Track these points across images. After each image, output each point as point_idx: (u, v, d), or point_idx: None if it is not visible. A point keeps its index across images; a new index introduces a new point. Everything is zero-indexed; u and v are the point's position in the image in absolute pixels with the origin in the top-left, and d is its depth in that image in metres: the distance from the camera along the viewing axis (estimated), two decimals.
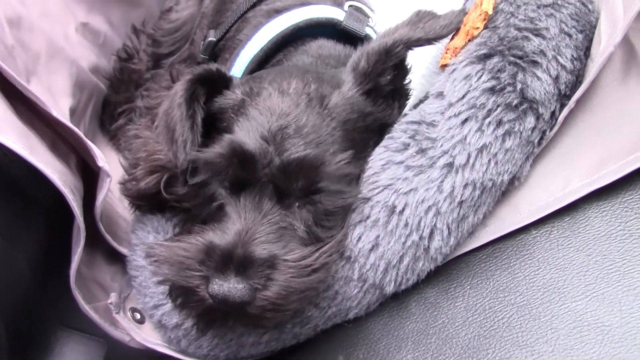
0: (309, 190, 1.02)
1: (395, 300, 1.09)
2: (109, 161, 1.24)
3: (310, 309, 1.07)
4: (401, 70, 1.19)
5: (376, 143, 1.11)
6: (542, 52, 1.04)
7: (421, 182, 1.03)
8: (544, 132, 1.05)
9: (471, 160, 1.02)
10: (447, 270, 1.07)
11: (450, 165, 1.02)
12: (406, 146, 1.06)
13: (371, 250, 1.03)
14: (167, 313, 1.18)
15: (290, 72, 1.14)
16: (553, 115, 1.05)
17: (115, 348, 1.30)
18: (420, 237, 1.02)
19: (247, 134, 1.02)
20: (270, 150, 1.00)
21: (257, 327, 1.06)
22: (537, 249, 1.00)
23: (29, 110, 1.22)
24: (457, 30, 1.15)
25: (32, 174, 1.09)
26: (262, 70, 1.28)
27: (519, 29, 1.07)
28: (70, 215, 1.13)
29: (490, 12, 1.11)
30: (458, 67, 1.08)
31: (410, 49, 1.12)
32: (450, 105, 1.05)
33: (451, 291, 1.04)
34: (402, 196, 1.03)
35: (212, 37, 1.57)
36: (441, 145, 1.03)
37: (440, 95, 1.08)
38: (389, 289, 1.05)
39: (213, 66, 1.13)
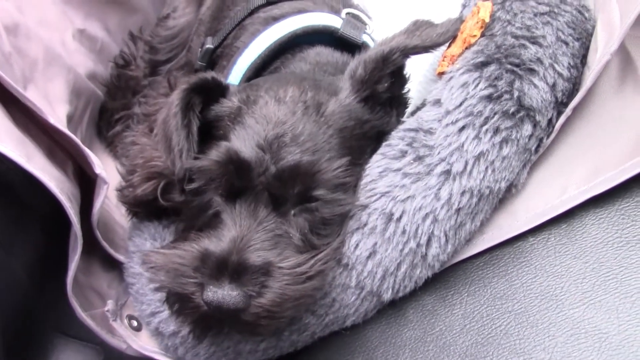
0: (305, 196, 1.02)
1: (393, 308, 1.09)
2: (106, 168, 1.24)
3: (307, 317, 1.07)
4: (399, 78, 1.19)
5: (373, 150, 1.11)
6: (539, 60, 1.05)
7: (419, 190, 1.03)
8: (541, 140, 1.06)
9: (468, 168, 1.02)
10: (444, 278, 1.07)
11: (447, 172, 1.02)
12: (403, 153, 1.06)
13: (369, 257, 1.03)
14: (164, 320, 1.17)
15: (287, 80, 1.14)
16: (550, 123, 1.06)
17: (112, 356, 1.30)
18: (418, 245, 1.02)
19: (243, 142, 1.02)
20: (266, 159, 1.00)
21: (253, 335, 1.06)
22: (534, 256, 1.00)
23: (26, 118, 1.22)
24: (454, 38, 1.15)
25: (29, 181, 1.09)
26: (258, 78, 1.28)
27: (516, 37, 1.07)
28: (67, 223, 1.13)
29: (487, 20, 1.11)
30: (455, 74, 1.08)
31: (408, 56, 1.12)
32: (448, 112, 1.06)
33: (449, 298, 1.04)
34: (399, 203, 1.03)
35: (209, 45, 1.57)
36: (438, 153, 1.04)
37: (437, 102, 1.09)
38: (387, 296, 1.05)
39: (209, 75, 1.13)
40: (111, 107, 1.77)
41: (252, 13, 1.52)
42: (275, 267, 0.95)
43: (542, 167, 1.07)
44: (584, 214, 0.99)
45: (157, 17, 1.93)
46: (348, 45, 1.37)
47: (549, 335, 0.90)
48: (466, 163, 1.02)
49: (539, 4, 1.10)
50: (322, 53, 1.34)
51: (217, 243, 0.97)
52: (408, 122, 1.11)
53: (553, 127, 1.05)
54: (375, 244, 1.03)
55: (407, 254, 1.02)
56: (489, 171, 1.02)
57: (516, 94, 1.03)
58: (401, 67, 1.17)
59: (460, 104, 1.05)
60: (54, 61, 1.47)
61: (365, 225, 1.04)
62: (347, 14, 1.45)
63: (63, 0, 1.66)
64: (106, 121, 1.77)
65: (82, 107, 1.62)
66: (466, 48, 1.11)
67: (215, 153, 1.02)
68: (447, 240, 1.03)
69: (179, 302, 0.99)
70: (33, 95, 1.24)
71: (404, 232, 1.02)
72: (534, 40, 1.06)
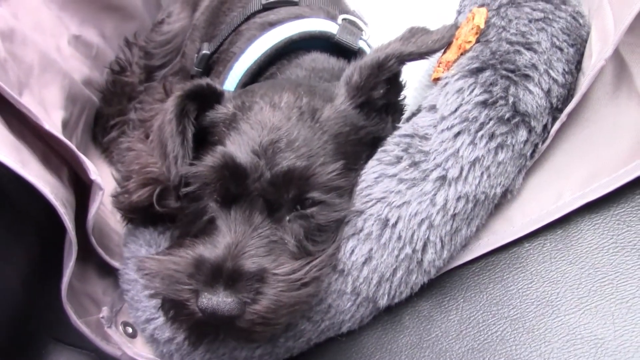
0: (300, 200, 1.02)
1: (389, 314, 1.09)
2: (101, 174, 1.23)
3: (303, 323, 1.07)
4: (395, 85, 1.19)
5: (369, 156, 1.11)
6: (534, 66, 1.05)
7: (414, 195, 1.03)
8: (536, 145, 1.06)
9: (464, 173, 1.02)
10: (440, 284, 1.07)
11: (443, 178, 1.02)
12: (399, 159, 1.06)
13: (364, 263, 1.03)
14: (159, 327, 1.17)
15: (282, 86, 1.14)
16: (545, 129, 1.06)
17: None
18: (414, 250, 1.02)
19: (238, 147, 1.02)
20: (261, 164, 1.00)
21: (248, 341, 1.05)
22: (530, 262, 1.00)
23: (21, 124, 1.21)
24: (450, 44, 1.15)
25: (24, 187, 1.09)
26: (254, 84, 1.29)
27: (511, 43, 1.07)
28: (62, 229, 1.13)
29: (482, 26, 1.11)
30: (450, 80, 1.08)
31: (403, 63, 1.13)
32: (443, 118, 1.06)
33: (445, 304, 1.04)
34: (395, 209, 1.03)
35: (206, 50, 1.57)
36: (434, 158, 1.04)
37: (432, 108, 1.09)
38: (383, 302, 1.05)
39: (203, 81, 1.13)
40: (107, 113, 1.76)
41: (248, 18, 1.52)
42: (270, 274, 0.95)
43: (537, 173, 1.07)
44: (580, 220, 1.00)
45: (152, 23, 1.93)
46: (344, 51, 1.37)
47: (545, 341, 0.90)
48: (462, 169, 1.02)
49: (534, 10, 1.11)
50: (318, 59, 1.34)
51: (212, 249, 0.97)
52: (403, 127, 1.11)
53: (548, 132, 1.06)
54: (371, 249, 1.03)
55: (402, 259, 1.02)
56: (485, 177, 1.02)
57: (511, 99, 1.03)
58: (397, 74, 1.17)
59: (456, 110, 1.05)
60: (49, 67, 1.46)
61: (360, 231, 1.04)
62: (344, 19, 1.46)
63: (59, 6, 1.66)
64: (102, 127, 1.77)
65: (77, 113, 1.61)
66: (461, 54, 1.12)
67: (211, 158, 1.02)
68: (442, 246, 1.03)
69: (174, 309, 0.99)
70: (28, 101, 1.23)
71: (399, 237, 1.02)
72: (528, 47, 1.06)
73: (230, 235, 0.98)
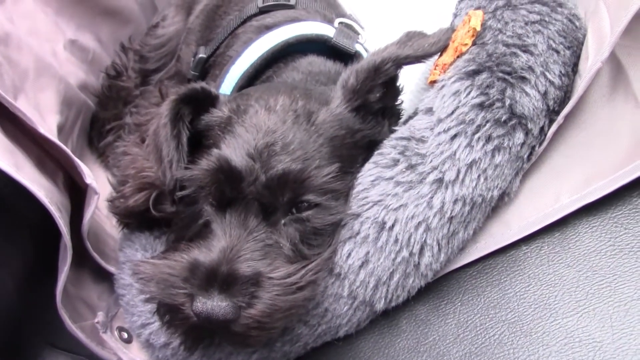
0: (295, 203, 1.01)
1: (386, 318, 1.08)
2: (97, 179, 1.23)
3: (299, 327, 1.06)
4: (392, 89, 1.19)
5: (365, 159, 1.10)
6: (531, 68, 1.05)
7: (411, 198, 1.02)
8: (533, 148, 1.06)
9: (461, 176, 1.01)
10: (437, 287, 1.07)
11: (440, 181, 1.02)
12: (396, 162, 1.06)
13: (361, 266, 1.03)
14: (154, 332, 1.16)
15: (277, 89, 1.14)
16: (542, 131, 1.06)
17: None
18: (411, 254, 1.01)
19: (233, 150, 1.01)
20: (257, 168, 0.99)
21: (244, 346, 1.05)
22: (527, 265, 1.00)
23: (16, 128, 1.21)
24: (446, 46, 1.15)
25: (18, 191, 1.08)
26: (250, 87, 1.28)
27: (507, 45, 1.07)
28: (57, 233, 1.12)
29: (479, 28, 1.11)
30: (447, 83, 1.08)
31: (400, 66, 1.12)
32: (440, 121, 1.05)
33: (442, 308, 1.04)
34: (391, 212, 1.02)
35: (202, 54, 1.57)
36: (431, 161, 1.03)
37: (429, 111, 1.08)
38: (379, 305, 1.04)
39: (198, 85, 1.13)
40: (103, 117, 1.76)
41: (244, 22, 1.52)
42: (265, 278, 0.94)
43: (534, 176, 1.07)
44: (577, 223, 1.00)
45: (147, 27, 1.93)
46: (341, 55, 1.37)
47: (542, 344, 0.90)
48: (458, 171, 1.01)
49: (530, 12, 1.10)
50: (314, 62, 1.34)
51: (206, 253, 0.96)
52: (400, 130, 1.10)
53: (545, 135, 1.05)
54: (368, 253, 1.02)
55: (399, 263, 1.02)
56: (482, 179, 1.02)
57: (508, 102, 1.03)
58: (394, 78, 1.17)
59: (452, 112, 1.04)
60: (44, 71, 1.46)
61: (357, 234, 1.03)
62: (340, 23, 1.46)
63: (55, 11, 1.66)
64: (97, 131, 1.76)
65: (73, 117, 1.61)
66: (458, 56, 1.11)
67: (206, 162, 1.02)
68: (439, 249, 1.03)
69: (169, 313, 0.98)
70: (23, 105, 1.23)
71: (396, 241, 1.01)
72: (525, 49, 1.06)
73: (225, 239, 0.97)
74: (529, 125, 1.03)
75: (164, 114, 1.08)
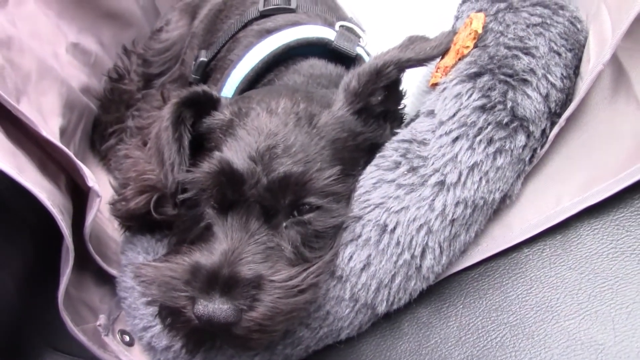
0: (297, 206, 1.01)
1: (388, 320, 1.08)
2: (99, 182, 1.23)
3: (301, 330, 1.06)
4: (395, 93, 1.19)
5: (367, 162, 1.10)
6: (532, 71, 1.05)
7: (412, 201, 1.02)
8: (534, 150, 1.06)
9: (462, 179, 1.01)
10: (439, 290, 1.07)
11: (441, 183, 1.02)
12: (397, 165, 1.06)
13: (363, 269, 1.02)
14: (156, 335, 1.16)
15: (279, 92, 1.14)
16: (544, 134, 1.05)
17: None
18: (412, 256, 1.01)
19: (235, 153, 1.01)
20: (258, 170, 0.99)
21: (245, 349, 1.05)
22: (529, 268, 1.00)
23: (18, 130, 1.21)
24: (448, 49, 1.15)
25: (20, 193, 1.08)
26: (251, 90, 1.28)
27: (509, 48, 1.07)
28: (59, 236, 1.12)
29: (480, 31, 1.11)
30: (448, 85, 1.08)
31: (403, 70, 1.12)
32: (441, 123, 1.05)
33: (444, 311, 1.04)
34: (393, 215, 1.02)
35: (203, 57, 1.57)
36: (432, 164, 1.03)
37: (431, 113, 1.08)
38: (381, 308, 1.04)
39: (199, 88, 1.13)
40: (105, 120, 1.76)
41: (245, 26, 1.53)
42: (266, 281, 0.94)
43: (536, 178, 1.07)
44: (579, 225, 0.99)
45: (150, 31, 1.94)
46: (342, 58, 1.37)
47: (544, 346, 0.90)
48: (460, 174, 1.01)
49: (532, 15, 1.11)
50: (315, 65, 1.34)
51: (208, 256, 0.96)
52: (402, 133, 1.10)
53: (547, 137, 1.05)
54: (370, 255, 1.02)
55: (401, 265, 1.02)
56: (483, 182, 1.01)
57: (509, 104, 1.03)
58: (396, 82, 1.17)
59: (454, 115, 1.04)
60: (47, 74, 1.46)
61: (359, 236, 1.03)
62: (341, 26, 1.46)
63: (57, 14, 1.66)
64: (100, 135, 1.77)
65: (75, 120, 1.61)
66: (459, 59, 1.11)
67: (207, 165, 1.02)
68: (441, 252, 1.03)
69: (170, 316, 0.98)
70: (26, 108, 1.23)
71: (398, 243, 1.01)
72: (526, 51, 1.06)
73: (227, 242, 0.97)
74: (531, 128, 1.03)
75: (166, 117, 1.09)
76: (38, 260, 1.27)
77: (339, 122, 1.08)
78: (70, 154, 1.22)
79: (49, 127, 1.38)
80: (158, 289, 0.96)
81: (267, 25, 1.48)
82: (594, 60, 1.01)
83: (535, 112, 1.03)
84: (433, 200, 1.02)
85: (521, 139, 1.03)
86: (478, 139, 1.02)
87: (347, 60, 1.37)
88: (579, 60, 1.10)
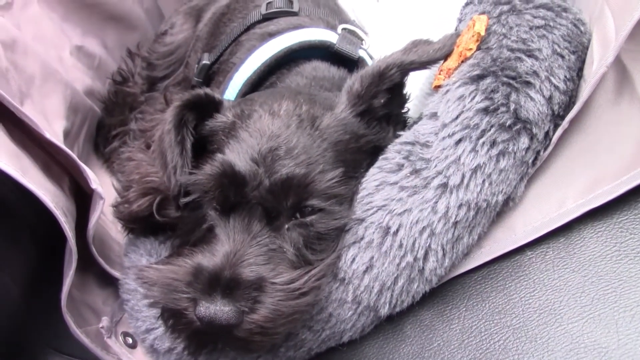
0: (299, 208, 1.01)
1: (390, 323, 1.08)
2: (102, 184, 1.23)
3: (304, 332, 1.06)
4: (398, 96, 1.19)
5: (369, 165, 1.10)
6: (535, 73, 1.05)
7: (415, 203, 1.02)
8: (538, 153, 1.05)
9: (465, 181, 1.01)
10: (442, 292, 1.06)
11: (444, 185, 1.02)
12: (400, 167, 1.06)
13: (365, 271, 1.02)
14: (159, 337, 1.16)
15: (281, 94, 1.14)
16: (547, 136, 1.05)
17: None
18: (415, 258, 1.01)
19: (237, 155, 1.02)
20: (260, 172, 0.99)
21: (247, 351, 1.05)
22: (532, 270, 0.99)
23: (22, 133, 1.21)
24: (451, 51, 1.15)
25: (24, 195, 1.09)
26: (254, 93, 1.28)
27: (512, 50, 1.07)
28: (62, 238, 1.12)
29: (483, 33, 1.11)
30: (451, 88, 1.08)
31: (406, 73, 1.13)
32: (444, 125, 1.05)
33: (446, 313, 1.03)
34: (396, 217, 1.02)
35: (206, 60, 1.58)
36: (435, 166, 1.03)
37: (434, 116, 1.08)
38: (384, 311, 1.04)
39: (201, 91, 1.13)
40: (108, 123, 1.77)
41: (248, 29, 1.53)
42: (268, 283, 0.94)
43: (539, 180, 1.07)
44: (582, 228, 0.99)
45: (154, 34, 1.94)
46: (344, 61, 1.37)
47: (547, 350, 0.90)
48: (463, 176, 1.01)
49: (535, 17, 1.10)
50: (318, 68, 1.34)
51: (210, 258, 0.96)
52: (404, 135, 1.10)
53: (550, 140, 1.05)
54: (372, 258, 1.02)
55: (404, 268, 1.01)
56: (486, 184, 1.01)
57: (512, 106, 1.02)
58: (400, 85, 1.17)
59: (457, 117, 1.04)
60: (51, 77, 1.47)
61: (361, 239, 1.03)
62: (343, 29, 1.46)
63: (61, 17, 1.67)
64: (103, 137, 1.77)
65: (79, 123, 1.62)
66: (462, 61, 1.11)
67: (210, 167, 1.02)
68: (444, 254, 1.02)
69: (172, 318, 0.98)
70: (30, 111, 1.24)
71: (400, 245, 1.01)
72: (529, 53, 1.06)
73: (229, 244, 0.97)
74: (534, 130, 1.03)
75: (168, 120, 1.09)
76: (41, 263, 1.27)
77: (341, 124, 1.08)
78: (74, 156, 1.23)
79: (53, 130, 1.38)
80: (160, 291, 0.97)
81: (269, 29, 1.48)
82: (597, 63, 1.01)
83: (538, 114, 1.03)
84: (436, 202, 1.01)
85: (524, 141, 1.03)
86: (481, 141, 1.02)
87: (349, 63, 1.37)
88: (582, 62, 1.10)
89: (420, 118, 1.13)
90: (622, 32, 0.96)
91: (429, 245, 1.01)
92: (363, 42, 1.44)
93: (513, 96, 1.03)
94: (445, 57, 1.16)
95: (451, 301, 1.04)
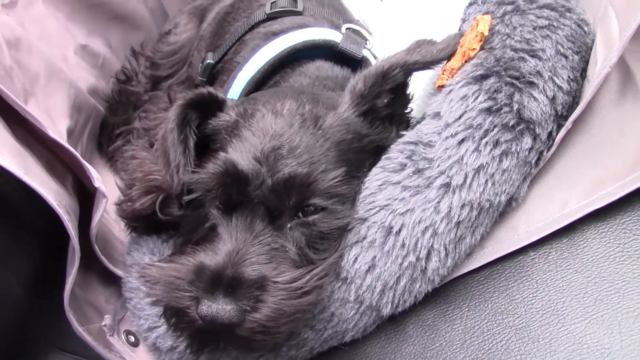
0: (301, 207, 1.01)
1: (392, 323, 1.07)
2: (105, 183, 1.24)
3: (306, 331, 1.06)
4: (401, 96, 1.19)
5: (372, 164, 1.10)
6: (539, 73, 1.04)
7: (418, 203, 1.02)
8: (541, 153, 1.05)
9: (468, 181, 1.01)
10: (444, 292, 1.06)
11: (447, 185, 1.02)
12: (403, 166, 1.06)
13: (368, 271, 1.02)
14: (161, 336, 1.16)
15: (284, 93, 1.14)
16: (550, 136, 1.05)
17: None
18: (417, 258, 1.01)
19: (240, 154, 1.02)
20: (263, 171, 0.99)
21: (249, 350, 1.05)
22: (535, 271, 0.99)
23: (26, 131, 1.22)
24: (454, 51, 1.15)
25: (27, 194, 1.09)
26: (257, 92, 1.29)
27: (515, 50, 1.07)
28: (65, 236, 1.13)
29: (486, 33, 1.11)
30: (455, 87, 1.08)
31: (409, 73, 1.12)
32: (447, 125, 1.05)
33: (449, 313, 1.03)
34: (398, 217, 1.02)
35: (210, 60, 1.58)
36: (438, 166, 1.03)
37: (437, 115, 1.08)
38: (386, 310, 1.04)
39: (204, 90, 1.14)
40: (112, 122, 1.77)
41: (252, 28, 1.53)
42: (270, 282, 0.94)
43: (542, 181, 1.07)
44: (586, 228, 0.99)
45: (158, 33, 1.95)
46: (348, 61, 1.37)
47: (550, 350, 0.89)
48: (466, 176, 1.01)
49: (539, 17, 1.10)
50: (322, 67, 1.34)
51: (212, 257, 0.96)
52: (407, 135, 1.10)
53: (553, 140, 1.05)
54: (375, 257, 1.02)
55: (406, 267, 1.01)
56: (489, 184, 1.01)
57: (516, 106, 1.02)
58: (403, 85, 1.17)
59: (460, 117, 1.04)
60: (55, 76, 1.47)
61: (364, 238, 1.03)
62: (347, 29, 1.46)
63: (66, 16, 1.68)
64: (107, 136, 1.78)
65: (82, 121, 1.62)
66: (466, 61, 1.11)
67: (212, 165, 1.02)
68: (447, 254, 1.02)
69: (175, 317, 0.98)
70: (33, 109, 1.24)
71: (403, 245, 1.01)
72: (533, 54, 1.06)
73: (231, 243, 0.97)
74: (537, 130, 1.02)
75: (171, 119, 1.09)
76: (44, 261, 1.28)
77: (344, 123, 1.08)
78: (78, 155, 1.23)
79: (57, 128, 1.39)
80: (162, 289, 0.97)
81: (273, 28, 1.48)
82: (601, 63, 1.01)
83: (541, 114, 1.03)
84: (439, 202, 1.01)
85: (527, 141, 1.02)
86: (484, 141, 1.02)
87: (353, 62, 1.37)
88: (586, 62, 1.09)
89: (423, 118, 1.13)
90: (626, 33, 0.96)
91: (432, 245, 1.01)
92: (367, 42, 1.44)
93: (516, 96, 1.03)
94: (449, 57, 1.15)
95: (454, 301, 1.04)
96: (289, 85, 1.30)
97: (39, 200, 1.09)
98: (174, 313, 0.98)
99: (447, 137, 1.04)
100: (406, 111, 1.24)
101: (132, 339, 1.27)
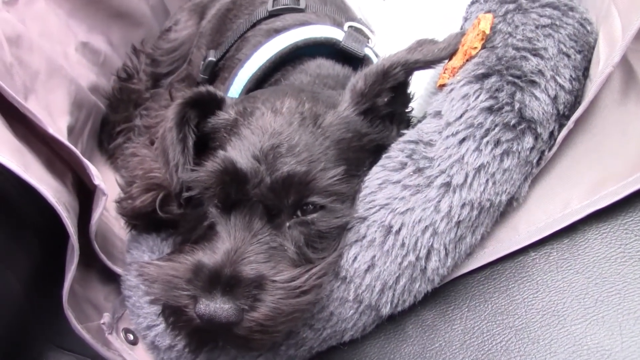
0: (300, 205, 1.00)
1: (392, 322, 1.07)
2: (105, 180, 1.24)
3: (305, 331, 1.05)
4: (402, 95, 1.18)
5: (372, 163, 1.10)
6: (541, 72, 1.04)
7: (418, 202, 1.01)
8: (542, 153, 1.04)
9: (469, 180, 1.00)
10: (444, 292, 1.06)
11: (447, 184, 1.01)
12: (403, 165, 1.05)
13: (367, 270, 1.02)
14: (160, 334, 1.16)
15: (284, 92, 1.13)
16: (552, 136, 1.04)
17: None
18: (417, 258, 1.00)
19: (239, 153, 1.01)
20: (262, 169, 0.99)
21: (247, 349, 1.04)
22: (535, 271, 0.99)
23: (26, 128, 1.22)
24: (456, 50, 1.14)
25: (27, 191, 1.09)
26: (257, 90, 1.28)
27: (517, 49, 1.06)
28: (64, 234, 1.12)
29: (488, 32, 1.11)
30: (456, 86, 1.07)
31: (410, 72, 1.12)
32: (448, 124, 1.05)
33: (449, 313, 1.03)
34: (398, 216, 1.02)
35: (211, 57, 1.57)
36: (438, 165, 1.02)
37: (438, 114, 1.08)
38: (385, 310, 1.03)
39: (203, 88, 1.13)
40: (113, 119, 1.77)
41: (254, 25, 1.53)
42: (268, 281, 0.94)
43: (543, 181, 1.06)
44: (587, 229, 0.98)
45: (159, 30, 1.94)
46: (350, 59, 1.37)
47: (550, 351, 0.89)
48: (466, 175, 1.00)
49: (541, 16, 1.10)
50: (323, 65, 1.34)
51: (210, 255, 0.96)
52: (408, 134, 1.10)
53: (555, 140, 1.04)
54: (374, 256, 1.01)
55: (406, 267, 1.01)
56: (490, 184, 1.00)
57: (517, 105, 1.02)
58: (404, 84, 1.16)
59: (461, 116, 1.04)
60: (55, 73, 1.47)
61: (363, 237, 1.03)
62: (350, 27, 1.46)
63: (67, 13, 1.68)
64: (107, 133, 1.78)
65: (83, 119, 1.62)
66: (467, 60, 1.11)
67: (211, 164, 1.02)
68: (447, 254, 1.02)
69: (173, 315, 0.98)
70: (33, 106, 1.24)
71: (403, 244, 1.00)
72: (535, 52, 1.05)
73: (230, 241, 0.97)
74: (539, 130, 1.02)
75: (170, 118, 1.09)
76: (44, 259, 1.27)
77: (344, 122, 1.08)
78: (77, 152, 1.23)
79: (57, 125, 1.39)
80: (160, 288, 0.96)
81: (275, 25, 1.48)
82: (604, 62, 1.00)
83: (543, 114, 1.02)
84: (439, 201, 1.01)
85: (529, 141, 1.02)
86: (485, 140, 1.01)
87: (355, 61, 1.36)
88: (589, 62, 1.09)
89: (424, 116, 1.12)
90: (628, 32, 0.95)
91: (432, 245, 1.01)
92: (369, 40, 1.44)
93: (518, 95, 1.02)
94: (450, 56, 1.15)
95: (453, 301, 1.04)
96: (289, 83, 1.30)
97: (38, 198, 1.08)
98: (172, 312, 0.98)
99: (447, 136, 1.04)
100: (407, 110, 1.23)
101: (131, 337, 1.26)
